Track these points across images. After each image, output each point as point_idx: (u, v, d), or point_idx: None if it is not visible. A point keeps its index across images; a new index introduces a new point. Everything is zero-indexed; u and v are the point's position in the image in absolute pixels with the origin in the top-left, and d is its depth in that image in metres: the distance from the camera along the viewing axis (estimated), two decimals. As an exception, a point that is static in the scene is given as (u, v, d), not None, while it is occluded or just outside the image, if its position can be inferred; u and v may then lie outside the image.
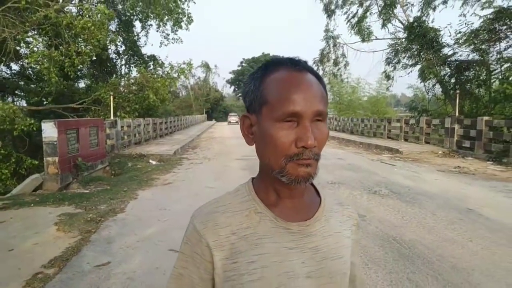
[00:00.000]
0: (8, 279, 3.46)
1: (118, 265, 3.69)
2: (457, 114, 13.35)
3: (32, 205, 6.32)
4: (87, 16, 14.10)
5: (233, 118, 57.25)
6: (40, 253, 4.09)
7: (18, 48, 17.04)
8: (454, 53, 14.94)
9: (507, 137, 10.50)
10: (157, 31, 21.91)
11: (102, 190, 7.56)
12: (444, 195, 6.69)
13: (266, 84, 0.76)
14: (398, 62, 18.25)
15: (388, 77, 19.18)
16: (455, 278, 3.37)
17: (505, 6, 12.30)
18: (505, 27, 12.39)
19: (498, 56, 13.23)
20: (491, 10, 13.07)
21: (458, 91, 14.04)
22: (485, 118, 11.56)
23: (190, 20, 21.56)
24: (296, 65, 0.76)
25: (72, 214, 5.65)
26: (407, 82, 32.41)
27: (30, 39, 15.79)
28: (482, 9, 13.35)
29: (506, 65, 11.98)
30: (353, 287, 0.90)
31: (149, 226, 5.00)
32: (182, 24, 21.45)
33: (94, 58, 18.42)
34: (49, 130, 7.80)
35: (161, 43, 24.02)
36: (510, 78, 11.80)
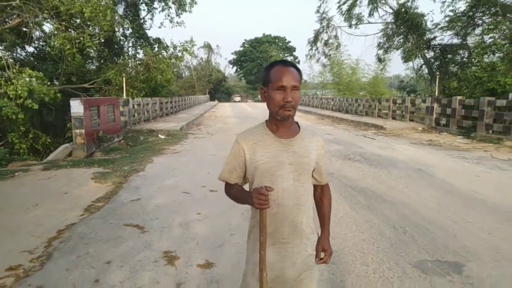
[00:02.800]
0: (71, 208, 4.94)
1: (147, 201, 5.19)
2: (436, 94, 14.64)
3: (68, 167, 7.82)
4: (92, 4, 15.06)
5: (237, 98, 59.62)
6: (87, 195, 5.59)
7: (34, 31, 18.31)
8: (435, 37, 16.10)
9: (476, 115, 11.83)
10: (162, 12, 22.88)
11: (122, 157, 9.04)
12: (405, 161, 8.13)
13: (270, 72, 1.57)
14: (390, 46, 19.36)
15: (380, 60, 20.31)
16: (386, 209, 4.83)
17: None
18: (481, 14, 13.50)
19: (478, 40, 14.37)
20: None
21: (437, 73, 15.25)
22: (459, 97, 12.87)
23: (193, 2, 22.56)
24: (284, 63, 1.58)
25: (103, 172, 7.13)
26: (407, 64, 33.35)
27: (49, 25, 17.05)
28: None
29: (477, 50, 13.13)
30: (318, 173, 1.70)
31: (165, 180, 6.50)
32: (186, 7, 22.45)
33: (103, 40, 19.62)
34: (76, 107, 9.23)
35: (161, 23, 25.07)
36: (478, 62, 13.00)
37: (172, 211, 4.70)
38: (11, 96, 13.04)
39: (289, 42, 70.17)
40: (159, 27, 24.42)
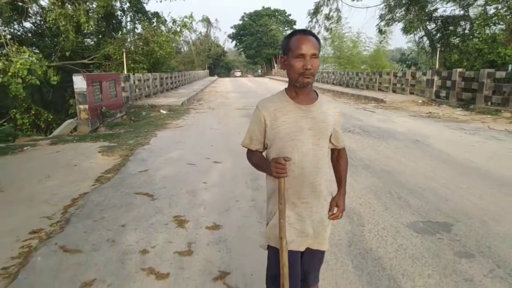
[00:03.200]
0: (82, 179, 5.16)
1: (154, 171, 5.42)
2: (437, 66, 14.63)
3: (74, 141, 8.02)
4: None
5: (238, 73, 59.87)
6: (97, 167, 5.81)
7: (31, 6, 18.09)
8: (436, 9, 15.93)
9: (475, 87, 11.91)
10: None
11: (126, 131, 9.22)
12: (404, 132, 8.31)
13: (290, 41, 1.62)
14: (391, 18, 19.13)
15: (380, 31, 20.13)
16: (383, 177, 5.05)
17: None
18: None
19: (481, 11, 14.21)
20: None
21: (439, 45, 15.18)
22: (459, 70, 12.89)
23: None
24: (304, 32, 1.64)
25: (109, 146, 7.33)
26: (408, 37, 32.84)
27: (45, 1, 16.81)
28: None
29: (478, 22, 13.02)
30: (335, 138, 1.79)
31: (170, 152, 6.71)
32: None
33: (100, 16, 19.36)
34: (79, 82, 9.33)
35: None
36: (479, 34, 12.93)
37: (179, 181, 4.93)
38: (10, 74, 13.11)
39: (289, 15, 68.90)
40: (158, 1, 23.90)
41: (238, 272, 2.68)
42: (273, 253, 1.74)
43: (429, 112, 11.68)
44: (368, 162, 5.76)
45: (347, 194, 4.25)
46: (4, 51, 14.18)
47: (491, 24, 13.14)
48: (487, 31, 13.10)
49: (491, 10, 13.86)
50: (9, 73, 12.81)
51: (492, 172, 5.14)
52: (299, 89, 1.66)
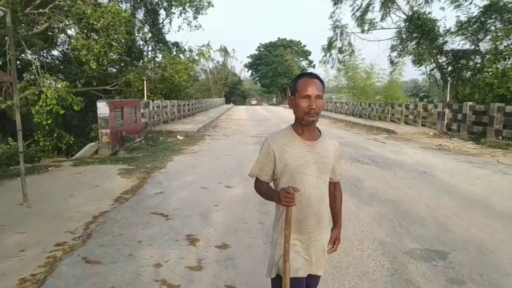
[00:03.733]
0: (102, 199, 5.52)
1: (170, 194, 5.75)
2: (448, 99, 14.84)
3: (95, 163, 8.48)
4: (109, 14, 15.64)
5: (253, 101, 61.87)
6: (116, 188, 6.18)
7: (59, 35, 19.31)
8: (446, 42, 16.29)
9: (486, 120, 12.04)
10: (180, 17, 23.56)
11: (144, 155, 9.67)
12: (412, 163, 8.48)
13: (297, 83, 1.80)
14: (403, 49, 19.60)
15: (392, 62, 20.58)
16: (387, 206, 5.25)
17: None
18: (492, 20, 13.68)
19: (491, 46, 14.53)
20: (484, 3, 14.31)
21: (449, 79, 15.45)
22: (469, 103, 13.08)
23: (209, 5, 23.15)
24: (310, 75, 1.83)
25: (128, 169, 7.74)
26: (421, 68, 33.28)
27: (72, 31, 18.01)
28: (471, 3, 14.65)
29: (488, 56, 13.31)
30: (333, 172, 1.94)
31: (185, 176, 7.05)
32: (202, 10, 23.04)
33: (121, 51, 20.36)
34: (102, 108, 9.92)
35: (179, 27, 25.83)
36: (490, 69, 13.19)
37: (192, 203, 5.23)
38: (41, 104, 14.00)
39: (304, 46, 70.44)
40: (177, 31, 25.05)
41: (243, 287, 2.92)
42: (276, 282, 1.84)
43: (440, 145, 11.81)
44: (374, 191, 5.96)
45: (350, 221, 4.54)
46: (35, 81, 15.11)
47: (501, 59, 13.40)
48: (498, 66, 13.34)
49: (500, 45, 14.22)
50: (40, 102, 13.69)
51: (495, 205, 5.28)
52: (305, 126, 1.82)
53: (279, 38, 69.94)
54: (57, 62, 21.95)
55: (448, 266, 3.33)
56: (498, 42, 13.46)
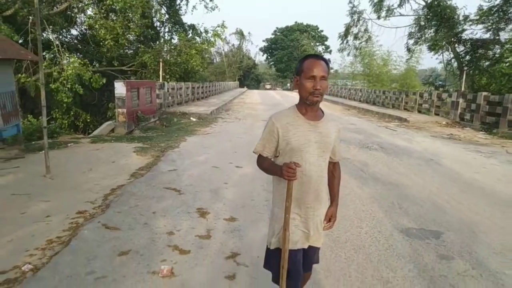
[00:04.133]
0: (119, 174, 5.85)
1: (183, 171, 6.05)
2: (462, 88, 14.69)
3: (112, 141, 8.84)
4: None
5: (268, 85, 62.26)
6: (132, 164, 6.51)
7: (79, 15, 19.67)
8: (463, 30, 15.97)
9: (499, 111, 11.96)
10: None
11: (158, 135, 10.00)
12: (420, 151, 8.59)
13: (303, 64, 1.87)
14: (420, 37, 19.30)
15: (409, 50, 20.31)
16: (389, 189, 5.44)
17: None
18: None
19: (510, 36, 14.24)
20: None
21: (465, 68, 15.24)
22: (484, 93, 12.95)
23: None
24: (315, 57, 1.89)
25: (143, 147, 8.08)
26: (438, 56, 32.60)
27: (91, 11, 18.32)
28: None
29: (507, 46, 13.07)
30: (333, 152, 2.04)
31: (197, 156, 7.35)
32: None
33: (138, 33, 20.60)
34: (120, 88, 10.24)
35: (194, 7, 25.79)
36: (508, 59, 12.98)
37: (204, 180, 5.52)
38: (62, 81, 14.44)
39: (322, 31, 69.46)
40: (192, 11, 24.94)
41: (247, 254, 3.20)
42: (273, 252, 2.02)
43: (451, 134, 11.82)
44: (379, 176, 6.15)
45: (352, 202, 4.77)
46: (55, 59, 15.53)
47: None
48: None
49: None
50: (61, 79, 14.12)
51: (496, 192, 5.42)
52: (309, 106, 1.90)
53: (296, 22, 69.08)
54: (75, 41, 22.36)
55: (440, 244, 3.55)
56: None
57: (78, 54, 22.42)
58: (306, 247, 2.00)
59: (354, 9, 23.14)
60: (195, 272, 2.88)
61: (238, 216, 4.09)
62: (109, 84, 20.97)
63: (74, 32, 22.49)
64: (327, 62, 1.90)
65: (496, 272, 3.04)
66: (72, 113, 19.25)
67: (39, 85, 5.62)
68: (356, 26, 23.68)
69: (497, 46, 15.42)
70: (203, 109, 16.65)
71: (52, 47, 16.17)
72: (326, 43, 69.00)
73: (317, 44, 67.80)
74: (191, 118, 13.86)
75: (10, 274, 2.80)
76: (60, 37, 20.45)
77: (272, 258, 2.04)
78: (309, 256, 2.08)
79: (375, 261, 3.15)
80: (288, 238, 1.84)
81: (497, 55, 15.74)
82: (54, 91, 14.87)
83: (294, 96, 38.85)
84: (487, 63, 16.14)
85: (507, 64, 12.93)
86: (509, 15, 13.85)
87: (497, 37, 15.42)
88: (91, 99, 21.19)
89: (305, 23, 69.06)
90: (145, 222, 3.85)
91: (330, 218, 2.09)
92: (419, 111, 17.94)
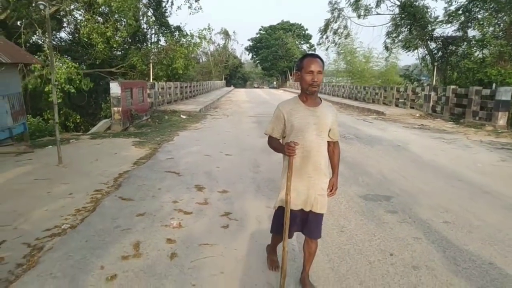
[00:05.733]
0: (123, 163, 6.65)
1: (179, 159, 6.90)
2: (434, 83, 15.85)
3: (110, 137, 9.61)
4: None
5: (255, 84, 63.25)
6: (133, 155, 7.32)
7: (69, 18, 20.21)
8: (433, 29, 17.23)
9: (465, 103, 13.11)
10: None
11: (152, 131, 10.79)
12: (390, 139, 9.60)
13: (303, 61, 2.30)
14: (398, 35, 20.49)
15: (387, 48, 21.52)
16: (357, 169, 6.39)
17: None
18: (477, 9, 14.62)
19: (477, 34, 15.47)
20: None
21: (436, 64, 16.44)
22: (452, 86, 14.10)
23: None
24: (313, 55, 2.35)
25: (140, 141, 8.88)
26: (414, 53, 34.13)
27: (79, 15, 18.94)
28: None
29: (472, 44, 14.28)
30: (333, 133, 2.44)
31: (191, 147, 8.20)
32: None
33: (128, 34, 21.22)
34: (115, 88, 10.99)
35: (178, 7, 26.41)
36: (470, 54, 14.18)
37: (198, 165, 6.39)
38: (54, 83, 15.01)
39: (306, 29, 70.65)
40: (177, 11, 25.74)
41: (237, 213, 4.09)
42: (280, 212, 2.46)
43: (422, 124, 12.92)
44: (350, 159, 7.11)
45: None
46: (46, 61, 16.10)
47: (482, 47, 14.36)
48: (478, 53, 14.33)
49: (487, 33, 15.12)
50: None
51: (445, 169, 6.43)
52: (308, 95, 2.35)
53: (282, 20, 70.09)
54: (63, 43, 22.85)
55: (388, 205, 4.50)
56: (480, 30, 14.39)
57: (67, 56, 22.94)
58: (307, 210, 2.43)
59: (335, 6, 24.27)
60: (198, 225, 3.76)
61: (229, 190, 4.97)
62: (97, 86, 21.59)
63: (62, 34, 23.03)
64: (322, 59, 2.34)
65: (426, 220, 4.00)
66: (62, 113, 19.84)
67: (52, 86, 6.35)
68: (336, 22, 24.80)
69: (465, 43, 16.64)
70: (192, 107, 17.44)
71: (44, 49, 16.76)
72: (310, 41, 70.21)
73: (302, 42, 68.99)
74: (181, 116, 14.65)
75: (53, 231, 3.62)
76: (53, 40, 20.93)
77: (275, 216, 2.60)
78: (312, 221, 2.47)
79: (336, 216, 4.08)
80: (289, 201, 2.27)
81: (465, 51, 16.97)
82: (46, 93, 15.46)
83: (280, 94, 39.95)
84: (457, 58, 17.37)
85: (471, 59, 14.11)
86: (473, 14, 15.07)
87: (465, 35, 16.63)
88: (79, 101, 21.74)
89: (290, 22, 70.12)
90: (153, 195, 4.70)
91: (332, 187, 2.51)
92: (396, 105, 19.07)
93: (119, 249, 3.19)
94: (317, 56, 2.34)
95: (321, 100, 2.43)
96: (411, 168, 6.45)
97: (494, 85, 12.08)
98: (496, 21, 13.96)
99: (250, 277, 2.80)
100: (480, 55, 14.13)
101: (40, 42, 19.88)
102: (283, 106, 2.41)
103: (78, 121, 20.78)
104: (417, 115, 15.57)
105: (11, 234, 3.51)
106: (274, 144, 2.45)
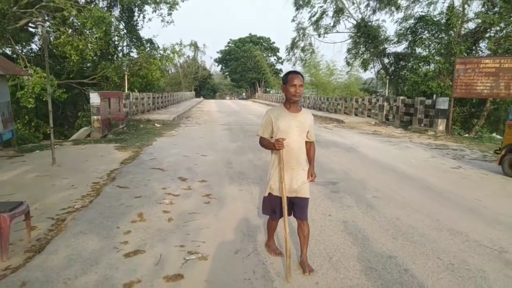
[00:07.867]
0: (111, 163, 7.54)
1: (161, 159, 7.88)
2: (386, 94, 17.67)
3: (92, 143, 10.39)
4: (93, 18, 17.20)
5: (227, 96, 64.83)
6: (118, 157, 8.21)
7: (41, 30, 20.54)
8: (385, 48, 19.28)
9: (412, 111, 14.89)
10: (154, 12, 24.83)
11: (131, 137, 11.64)
12: (345, 143, 11.00)
13: (288, 77, 2.93)
14: (357, 52, 22.45)
15: (348, 63, 23.50)
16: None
17: (423, 14, 16.62)
18: (422, 29, 16.71)
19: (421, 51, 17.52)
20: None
21: (388, 77, 18.37)
22: (401, 97, 15.93)
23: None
24: (295, 72, 3.00)
25: (122, 146, 9.75)
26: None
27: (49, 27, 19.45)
28: (405, 20, 17.93)
29: (417, 61, 16.26)
30: (310, 135, 3.07)
31: (170, 150, 9.18)
32: (177, 6, 24.56)
33: (100, 47, 21.75)
34: (94, 98, 11.78)
35: (149, 19, 27.02)
36: (415, 69, 16.16)
37: (179, 163, 7.41)
38: (27, 90, 15.41)
39: (273, 42, 72.96)
40: (147, 23, 26.42)
41: (216, 195, 5.19)
42: (268, 198, 3.05)
43: (375, 131, 14.53)
44: (309, 158, 8.36)
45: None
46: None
47: (425, 64, 16.36)
48: (426, 67, 16.31)
49: (432, 50, 17.18)
50: (25, 89, 15.15)
51: (386, 164, 7.81)
52: (291, 103, 2.92)
53: (250, 33, 71.99)
54: (32, 55, 23.06)
55: (334, 188, 5.74)
56: (423, 49, 16.46)
57: (38, 68, 23.11)
58: (292, 196, 2.97)
59: (300, 25, 26.09)
60: (186, 202, 4.82)
61: (207, 179, 6.05)
62: (69, 97, 21.91)
63: (34, 46, 23.25)
64: (302, 75, 2.96)
65: (359, 196, 5.27)
66: (33, 124, 20.04)
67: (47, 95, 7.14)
68: (302, 40, 26.63)
69: (412, 59, 18.68)
70: (165, 116, 18.31)
71: (18, 60, 17.13)
72: (278, 54, 72.54)
73: (270, 55, 71.18)
74: (156, 124, 15.52)
75: (68, 210, 4.55)
76: (25, 50, 21.22)
77: (265, 200, 3.14)
78: (300, 205, 3.02)
79: (293, 195, 5.25)
80: (284, 188, 2.87)
81: (413, 67, 19.04)
82: (20, 98, 15.74)
83: (248, 105, 41.36)
84: (407, 73, 19.40)
85: (416, 73, 16.02)
86: (419, 34, 17.12)
87: (414, 51, 18.67)
88: (58, 110, 21.92)
89: (258, 35, 72.23)
90: (145, 184, 5.70)
91: (311, 175, 3.12)
92: (356, 114, 20.84)
93: (128, 217, 4.20)
94: (299, 73, 2.97)
95: (301, 108, 3.04)
96: (357, 164, 7.79)
97: (434, 96, 13.91)
98: (437, 40, 16.00)
99: (229, 227, 3.91)
100: (424, 70, 16.07)
101: (9, 53, 20.10)
102: (272, 112, 3.02)
103: (48, 131, 20.95)
104: (373, 122, 17.27)
105: (34, 212, 4.41)
106: (265, 142, 3.02)
